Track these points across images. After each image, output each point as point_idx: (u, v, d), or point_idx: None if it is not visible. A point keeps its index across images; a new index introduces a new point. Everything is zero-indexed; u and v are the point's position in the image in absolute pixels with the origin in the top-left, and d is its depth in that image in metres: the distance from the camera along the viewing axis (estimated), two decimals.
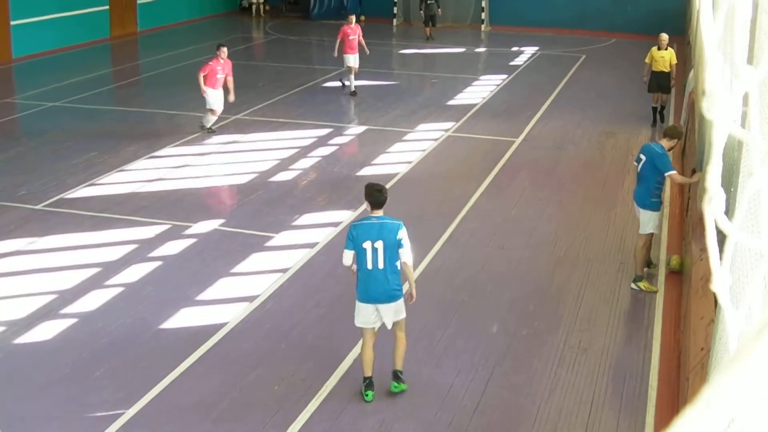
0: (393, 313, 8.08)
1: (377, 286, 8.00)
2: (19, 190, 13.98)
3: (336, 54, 21.63)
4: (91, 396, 8.13)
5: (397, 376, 8.19)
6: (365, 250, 7.98)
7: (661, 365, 8.90)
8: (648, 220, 10.68)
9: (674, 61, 18.51)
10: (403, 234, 8.02)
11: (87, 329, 9.44)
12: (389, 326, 8.12)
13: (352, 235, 8.05)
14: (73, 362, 8.75)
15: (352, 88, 21.63)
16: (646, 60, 18.70)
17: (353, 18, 22.51)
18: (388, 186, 14.37)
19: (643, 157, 10.69)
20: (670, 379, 8.60)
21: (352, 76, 21.64)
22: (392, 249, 8.00)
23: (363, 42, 21.94)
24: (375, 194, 8.22)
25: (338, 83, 22.52)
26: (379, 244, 7.98)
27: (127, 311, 9.93)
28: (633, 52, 29.13)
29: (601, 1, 33.50)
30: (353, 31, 21.68)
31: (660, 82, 18.52)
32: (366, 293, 8.05)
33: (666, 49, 18.32)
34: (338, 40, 21.66)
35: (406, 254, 8.05)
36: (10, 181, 14.41)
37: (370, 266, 7.99)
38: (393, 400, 8.14)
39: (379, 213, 8.17)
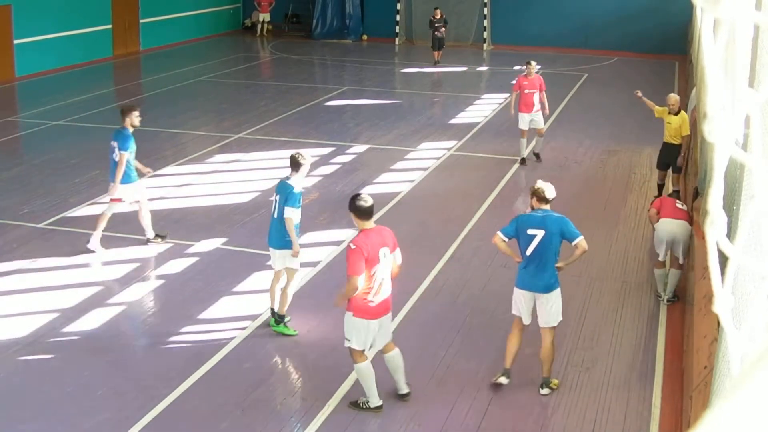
0: (280, 259, 9.66)
1: (270, 232, 9.72)
2: (22, 208, 14.00)
3: (513, 111, 17.37)
4: (93, 415, 8.10)
5: (273, 313, 9.86)
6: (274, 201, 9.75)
7: (664, 384, 8.88)
8: (560, 303, 8.67)
9: (685, 131, 14.00)
10: (288, 197, 9.44)
11: (89, 348, 9.43)
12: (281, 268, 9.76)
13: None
14: (76, 381, 8.73)
15: (528, 152, 17.35)
16: (656, 113, 14.58)
17: (533, 67, 16.88)
18: (390, 204, 14.58)
19: (539, 231, 8.42)
20: (673, 397, 8.57)
21: (524, 140, 17.11)
22: (280, 205, 9.49)
23: (544, 99, 16.97)
24: (292, 159, 9.69)
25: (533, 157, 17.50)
26: (277, 198, 9.63)
27: (129, 330, 9.92)
28: (635, 71, 29.25)
29: (602, 20, 33.60)
30: (531, 83, 16.79)
31: (670, 157, 14.33)
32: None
33: (677, 113, 14.02)
34: (513, 95, 17.22)
35: (286, 212, 9.43)
36: (13, 200, 14.44)
37: (273, 215, 9.68)
38: (395, 419, 8.12)
39: (294, 176, 9.60)
